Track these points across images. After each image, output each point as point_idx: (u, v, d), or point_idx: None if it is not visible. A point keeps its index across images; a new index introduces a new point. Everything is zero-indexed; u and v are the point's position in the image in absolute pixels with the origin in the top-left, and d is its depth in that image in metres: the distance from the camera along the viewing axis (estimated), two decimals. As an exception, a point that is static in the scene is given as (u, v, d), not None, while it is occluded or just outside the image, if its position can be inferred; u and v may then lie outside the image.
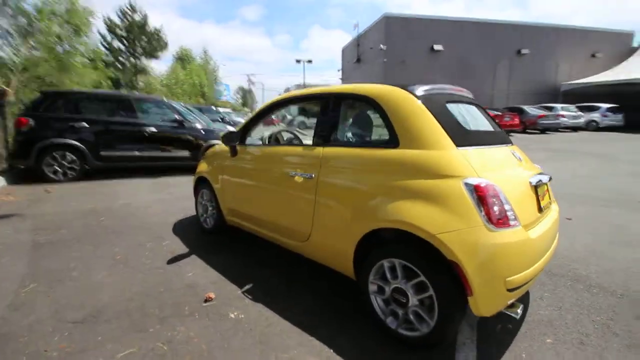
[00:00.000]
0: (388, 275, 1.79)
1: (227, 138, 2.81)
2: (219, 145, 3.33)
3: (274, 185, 2.49)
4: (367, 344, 1.79)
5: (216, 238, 3.33)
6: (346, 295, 2.26)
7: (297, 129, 3.58)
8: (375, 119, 2.11)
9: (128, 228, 3.59)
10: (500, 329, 1.93)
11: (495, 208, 1.56)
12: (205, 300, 2.19)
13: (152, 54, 22.49)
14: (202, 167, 3.45)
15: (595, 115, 17.50)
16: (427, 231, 1.57)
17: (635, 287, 2.37)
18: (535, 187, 1.89)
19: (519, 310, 1.67)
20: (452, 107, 1.97)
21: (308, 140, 2.59)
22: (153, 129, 6.52)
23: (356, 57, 24.31)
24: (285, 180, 2.37)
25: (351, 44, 25.88)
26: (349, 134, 2.30)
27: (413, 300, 1.70)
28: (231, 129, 7.57)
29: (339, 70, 30.40)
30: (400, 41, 19.41)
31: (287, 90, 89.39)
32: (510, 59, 20.72)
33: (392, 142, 1.87)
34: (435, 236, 1.55)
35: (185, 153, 6.86)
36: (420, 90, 1.96)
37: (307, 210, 2.21)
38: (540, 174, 2.00)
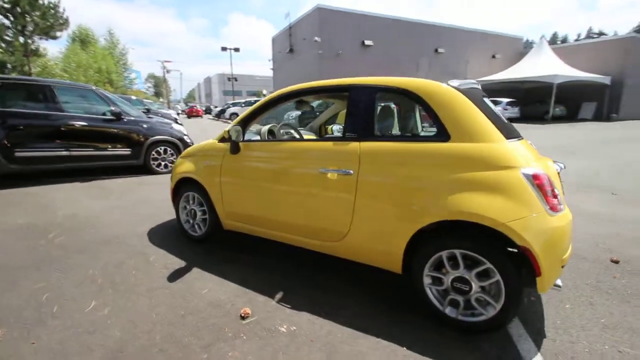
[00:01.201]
0: (447, 266, 1.83)
1: (231, 133, 2.49)
2: (208, 142, 2.96)
3: (297, 184, 2.31)
4: (429, 336, 1.81)
5: (210, 247, 2.98)
6: (384, 292, 2.24)
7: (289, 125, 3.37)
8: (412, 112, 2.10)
9: (93, 244, 2.98)
10: (527, 302, 2.14)
11: (551, 194, 1.70)
12: (243, 317, 1.95)
13: (48, 32, 18.67)
14: (186, 167, 3.02)
15: (498, 109, 20.42)
16: (497, 220, 1.64)
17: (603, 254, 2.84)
18: (558, 174, 2.12)
19: (560, 282, 1.86)
20: (487, 101, 2.07)
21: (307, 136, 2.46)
22: (84, 123, 5.49)
23: (289, 47, 23.98)
24: (314, 178, 2.22)
25: (282, 34, 25.42)
26: (389, 128, 2.24)
27: (476, 287, 1.77)
28: (177, 127, 6.82)
29: (269, 60, 29.65)
30: (333, 34, 19.77)
31: (209, 79, 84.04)
32: (429, 56, 22.86)
33: (442, 135, 1.88)
34: (505, 224, 1.62)
35: (125, 151, 5.95)
36: (457, 84, 2.01)
37: (344, 208, 2.11)
38: (555, 162, 2.24)
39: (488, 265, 1.71)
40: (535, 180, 1.69)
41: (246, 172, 2.59)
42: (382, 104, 2.28)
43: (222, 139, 2.81)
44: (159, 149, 6.32)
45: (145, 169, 6.24)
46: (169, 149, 6.44)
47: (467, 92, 1.97)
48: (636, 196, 4.55)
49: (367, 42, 20.52)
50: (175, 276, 2.43)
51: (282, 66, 26.35)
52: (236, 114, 23.40)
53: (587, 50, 22.92)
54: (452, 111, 1.89)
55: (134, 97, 14.40)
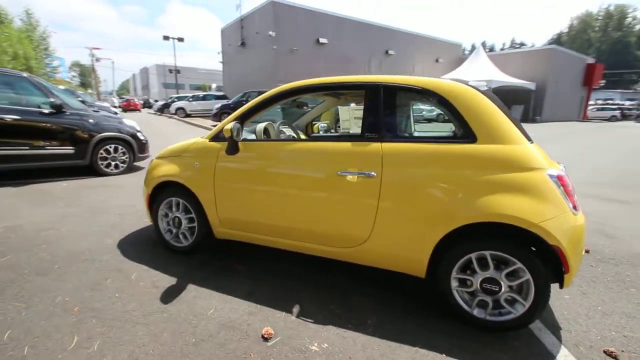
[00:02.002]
0: (477, 268, 1.83)
1: (233, 132, 2.23)
2: (195, 141, 2.64)
3: (311, 188, 2.15)
4: (463, 341, 1.80)
5: (198, 259, 2.67)
6: (401, 293, 2.19)
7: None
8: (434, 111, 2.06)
9: (54, 263, 2.48)
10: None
11: (573, 194, 1.79)
12: (266, 339, 1.75)
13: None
14: (167, 169, 2.66)
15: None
16: (530, 221, 1.67)
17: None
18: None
19: None
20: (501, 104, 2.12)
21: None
22: (15, 117, 4.61)
23: (240, 40, 23.01)
24: (331, 181, 2.08)
25: (233, 26, 24.28)
26: (411, 129, 2.18)
27: (505, 287, 1.79)
28: (129, 122, 6.10)
29: (219, 53, 28.17)
30: (288, 30, 19.41)
31: (145, 70, 77.30)
32: (380, 57, 23.67)
33: (468, 137, 1.88)
34: (538, 225, 1.66)
35: (68, 150, 5.15)
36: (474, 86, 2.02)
37: (365, 212, 2.01)
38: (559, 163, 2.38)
39: (519, 265, 1.74)
40: (560, 181, 1.76)
41: (248, 175, 2.35)
42: (406, 104, 2.20)
43: (214, 138, 2.52)
44: (108, 147, 5.58)
45: (91, 170, 5.48)
46: (120, 147, 5.72)
47: (486, 94, 1.99)
48: (579, 189, 5.14)
49: (322, 40, 20.54)
50: (169, 296, 2.11)
51: (233, 60, 25.22)
52: (182, 109, 21.84)
53: (516, 59, 25.73)
54: (478, 113, 1.89)
55: (61, 87, 12.54)
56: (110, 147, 5.61)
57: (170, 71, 51.64)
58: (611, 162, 8.08)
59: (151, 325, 1.82)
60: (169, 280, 2.30)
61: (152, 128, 14.02)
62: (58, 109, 4.98)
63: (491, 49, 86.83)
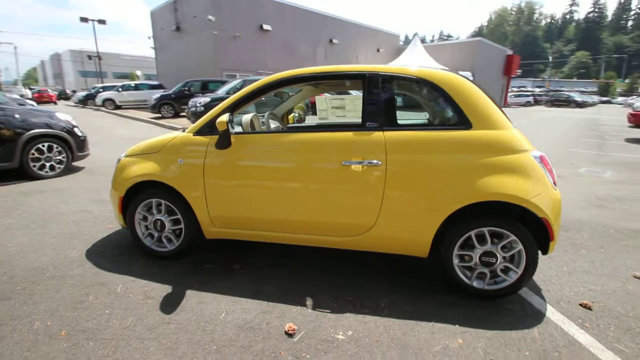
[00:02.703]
0: (476, 244, 2.00)
1: (228, 124, 2.09)
2: (175, 135, 2.42)
3: (314, 179, 2.13)
4: (468, 310, 1.97)
5: (186, 262, 2.49)
6: (401, 272, 2.31)
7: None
8: (430, 100, 2.16)
9: (14, 284, 2.11)
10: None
11: (553, 172, 2.03)
12: (290, 334, 1.72)
13: None
14: (144, 168, 2.40)
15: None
16: (523, 198, 1.87)
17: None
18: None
19: None
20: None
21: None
22: None
23: (175, 24, 21.18)
24: (335, 172, 2.08)
25: (165, 9, 22.19)
26: (410, 117, 2.24)
27: (500, 258, 1.99)
28: (62, 116, 5.35)
29: (149, 38, 25.64)
30: (229, 14, 18.34)
31: (57, 56, 67.18)
32: (325, 46, 23.72)
33: (464, 123, 2.01)
34: (529, 201, 1.87)
35: (-12, 150, 4.35)
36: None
37: (371, 200, 2.06)
38: None
39: (512, 237, 1.95)
40: (542, 161, 1.98)
41: (244, 170, 2.23)
42: (402, 93, 2.26)
43: (199, 131, 2.34)
44: (40, 146, 4.84)
45: (22, 174, 4.71)
46: (54, 145, 4.99)
47: (476, 84, 2.15)
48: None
49: (265, 27, 19.84)
50: (170, 305, 1.95)
51: (167, 45, 23.18)
52: (111, 100, 19.63)
53: (447, 50, 27.78)
54: (472, 101, 2.03)
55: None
56: (43, 145, 4.86)
57: (90, 57, 45.91)
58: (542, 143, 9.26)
59: (161, 338, 1.68)
60: (163, 289, 2.11)
61: (82, 123, 12.41)
62: (-29, 103, 4.15)
63: (422, 40, 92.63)
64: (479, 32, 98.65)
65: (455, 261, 2.06)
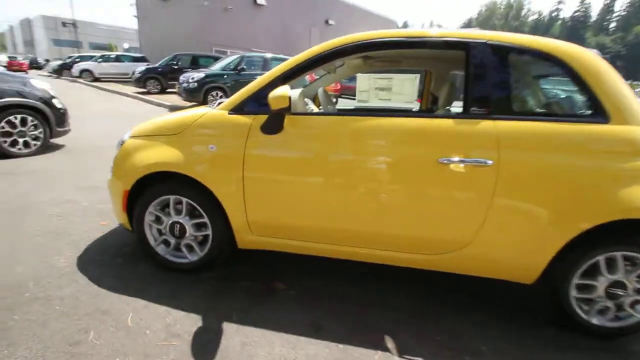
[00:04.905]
0: (603, 271, 1.56)
1: (289, 100, 1.52)
2: (202, 113, 1.82)
3: (399, 179, 1.60)
4: (590, 348, 1.54)
5: (216, 276, 1.94)
6: (501, 308, 1.86)
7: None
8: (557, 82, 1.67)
9: (21, 304, 1.50)
10: None
11: None
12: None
13: None
14: (162, 154, 1.80)
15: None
16: None
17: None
18: None
19: None
20: None
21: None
22: None
23: (160, -7, 19.59)
24: (428, 171, 1.56)
25: (150, -26, 20.52)
26: (529, 102, 1.73)
27: (632, 290, 1.57)
28: (37, 84, 4.54)
29: (131, 5, 23.67)
30: (222, -15, 17.10)
31: (27, 22, 61.80)
32: (320, 27, 22.70)
33: (600, 115, 1.53)
34: None
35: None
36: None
37: (473, 209, 1.57)
38: None
39: (656, 264, 1.51)
40: None
41: (298, 163, 1.68)
42: (520, 70, 1.73)
43: (238, 108, 1.76)
44: (11, 118, 4.05)
45: (-11, 151, 3.94)
46: (29, 117, 4.20)
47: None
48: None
49: (259, 1, 18.66)
50: (206, 350, 1.41)
51: (151, 15, 21.47)
52: (89, 72, 18.07)
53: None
54: (610, 86, 1.54)
55: None
56: (15, 118, 4.07)
57: (64, 25, 42.65)
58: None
59: (205, 409, 1.15)
60: (190, 320, 1.57)
61: (58, 93, 11.23)
62: None
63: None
64: (468, 24, 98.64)
65: (573, 292, 1.61)
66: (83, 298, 1.66)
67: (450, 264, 1.71)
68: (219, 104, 1.87)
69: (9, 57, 26.35)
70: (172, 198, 1.86)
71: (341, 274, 2.02)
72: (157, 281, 1.85)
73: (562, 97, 1.98)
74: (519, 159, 1.51)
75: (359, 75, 2.76)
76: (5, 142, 4.01)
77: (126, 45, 34.24)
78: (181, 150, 1.79)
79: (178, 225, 1.89)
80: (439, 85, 2.66)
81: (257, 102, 1.73)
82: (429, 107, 2.88)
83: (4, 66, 21.43)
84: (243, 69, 9.39)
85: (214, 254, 1.91)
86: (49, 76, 21.38)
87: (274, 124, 1.65)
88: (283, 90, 1.54)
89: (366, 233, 1.71)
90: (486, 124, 1.55)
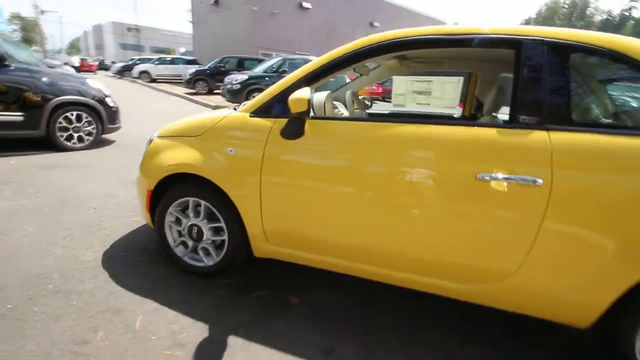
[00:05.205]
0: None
1: (308, 103, 1.42)
2: (224, 115, 1.77)
3: (430, 196, 1.42)
4: None
5: (229, 285, 1.88)
6: (546, 343, 1.59)
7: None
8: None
9: (5, 300, 1.58)
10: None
11: None
12: None
13: None
14: (183, 155, 1.79)
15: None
16: None
17: None
18: None
19: None
20: None
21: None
22: None
23: (213, -2, 20.68)
24: (465, 188, 1.36)
25: (205, -19, 21.75)
26: (594, 111, 1.48)
27: None
28: (93, 83, 4.89)
29: (187, 11, 25.33)
30: (269, -10, 17.62)
31: (99, 28, 68.65)
32: (365, 28, 22.47)
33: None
34: None
35: (14, 116, 3.94)
36: None
37: (518, 235, 1.34)
38: None
39: None
40: None
41: (319, 171, 1.56)
42: (578, 71, 1.47)
43: (258, 111, 1.68)
44: (68, 114, 4.39)
45: (49, 144, 4.30)
46: (84, 114, 4.54)
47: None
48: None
49: (305, 5, 18.91)
50: (207, 361, 1.34)
51: (205, 20, 22.74)
52: (147, 73, 19.51)
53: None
54: None
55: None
56: (72, 114, 4.42)
57: (129, 30, 46.60)
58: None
59: None
60: (197, 329, 1.51)
61: (116, 94, 12.25)
62: (-3, 61, 3.71)
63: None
64: (526, 24, 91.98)
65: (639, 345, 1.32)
66: (99, 295, 1.68)
67: (489, 297, 1.48)
68: (237, 107, 1.81)
69: (81, 59, 29.32)
70: (191, 200, 1.84)
71: (359, 291, 1.86)
72: (173, 283, 1.83)
73: (634, 105, 1.64)
74: (577, 179, 1.26)
75: (395, 77, 2.57)
76: (62, 136, 4.37)
77: (182, 49, 36.61)
78: (201, 152, 1.75)
79: (196, 228, 1.86)
80: (485, 89, 2.40)
81: (279, 105, 1.64)
82: (473, 113, 2.61)
83: (76, 67, 23.93)
84: (285, 71, 9.51)
85: (229, 260, 1.85)
86: (113, 77, 23.45)
87: (294, 128, 1.54)
88: (303, 92, 1.43)
89: (389, 253, 1.54)
90: (537, 136, 1.31)
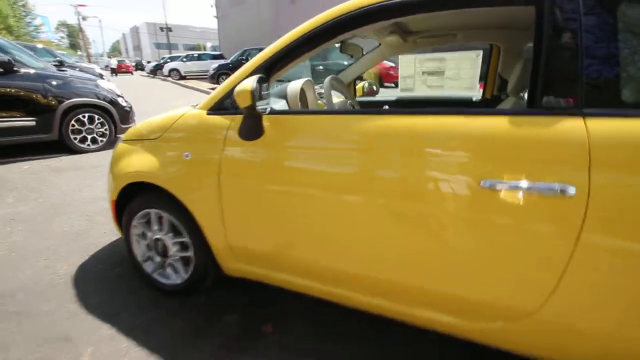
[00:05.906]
0: None
1: (251, 94, 1.12)
2: (180, 113, 1.53)
3: (421, 210, 1.08)
4: None
5: (198, 307, 1.67)
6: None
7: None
8: None
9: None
10: None
11: None
12: None
13: None
14: (140, 162, 1.58)
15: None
16: None
17: None
18: None
19: None
20: None
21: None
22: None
23: (236, -9, 20.61)
24: (467, 199, 1.01)
25: (227, -26, 21.72)
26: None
27: None
28: (105, 84, 4.87)
29: (212, 6, 25.53)
30: (290, -24, 17.14)
31: (136, 29, 71.71)
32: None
33: None
34: None
35: (26, 121, 4.02)
36: None
37: (542, 262, 0.97)
38: None
39: None
40: None
41: (285, 176, 1.27)
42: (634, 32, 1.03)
43: (215, 107, 1.41)
44: (80, 116, 4.43)
45: (63, 146, 4.38)
46: (96, 116, 4.56)
47: None
48: None
49: (327, -11, 18.27)
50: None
51: (228, 14, 22.82)
52: (176, 70, 20.01)
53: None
54: None
55: (40, 46, 11.02)
56: (84, 116, 4.45)
57: (162, 29, 48.35)
58: None
59: None
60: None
61: (142, 90, 12.64)
62: (6, 68, 3.77)
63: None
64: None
65: None
66: (57, 317, 1.54)
67: (507, 339, 1.12)
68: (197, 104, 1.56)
69: (118, 60, 30.81)
70: (152, 212, 1.63)
71: (338, 312, 1.57)
72: (141, 302, 1.66)
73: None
74: (627, 186, 0.86)
75: (402, 57, 2.16)
76: (76, 139, 4.42)
77: (209, 45, 37.30)
78: (157, 158, 1.53)
79: (161, 242, 1.66)
80: (509, 65, 1.94)
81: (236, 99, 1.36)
82: (496, 94, 2.16)
83: (113, 68, 25.16)
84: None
85: (199, 278, 1.64)
86: (147, 76, 24.43)
87: (249, 127, 1.25)
88: (246, 83, 1.13)
89: (376, 279, 1.23)
90: (569, 125, 0.91)
